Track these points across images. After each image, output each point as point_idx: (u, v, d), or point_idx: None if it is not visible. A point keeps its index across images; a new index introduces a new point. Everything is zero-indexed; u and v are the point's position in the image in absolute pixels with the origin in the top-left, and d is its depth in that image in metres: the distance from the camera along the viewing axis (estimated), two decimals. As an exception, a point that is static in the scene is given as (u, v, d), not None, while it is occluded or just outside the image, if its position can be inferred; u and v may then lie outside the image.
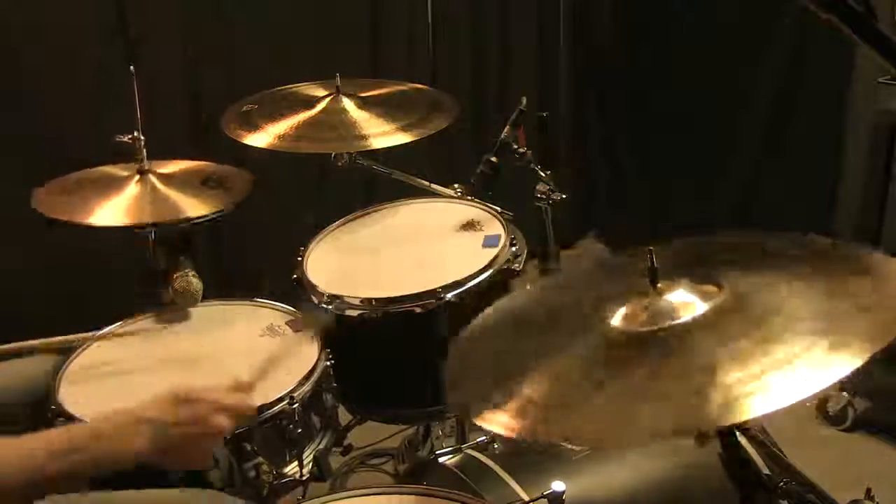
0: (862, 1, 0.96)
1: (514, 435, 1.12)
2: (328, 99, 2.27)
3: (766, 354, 1.06)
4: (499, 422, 1.13)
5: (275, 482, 1.72)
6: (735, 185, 3.46)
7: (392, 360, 2.00)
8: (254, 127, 2.18)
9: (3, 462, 1.18)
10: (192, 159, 2.22)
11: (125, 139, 2.05)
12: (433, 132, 2.18)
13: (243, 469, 1.69)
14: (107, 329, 1.94)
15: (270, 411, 1.71)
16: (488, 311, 1.42)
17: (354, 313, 1.96)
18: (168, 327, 1.97)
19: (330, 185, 3.08)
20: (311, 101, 2.27)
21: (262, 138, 2.13)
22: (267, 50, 3.00)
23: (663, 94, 3.44)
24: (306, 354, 1.86)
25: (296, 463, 1.76)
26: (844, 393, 2.66)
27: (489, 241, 2.09)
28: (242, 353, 1.89)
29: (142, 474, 1.59)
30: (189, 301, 1.99)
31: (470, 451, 1.63)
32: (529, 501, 1.43)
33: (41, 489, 1.24)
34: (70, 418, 1.69)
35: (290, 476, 1.75)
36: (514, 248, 2.05)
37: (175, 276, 1.98)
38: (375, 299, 1.95)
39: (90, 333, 1.80)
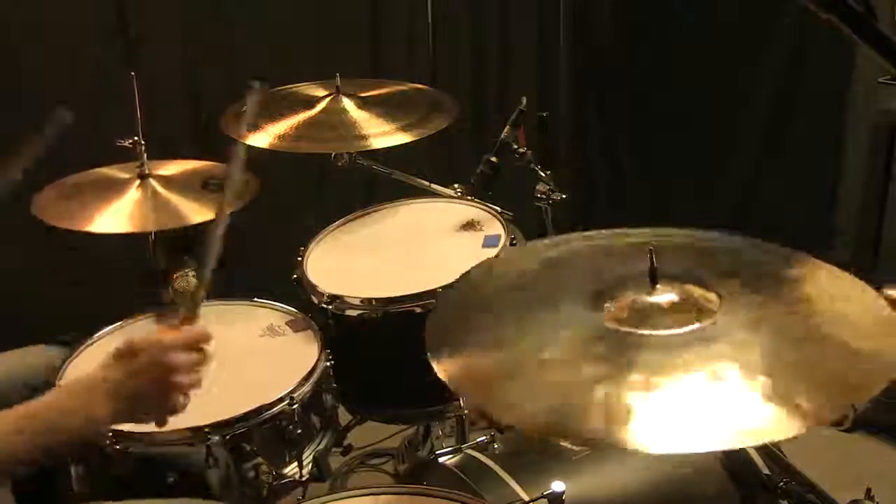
0: (862, 1, 0.96)
1: (455, 389, 1.15)
2: (328, 99, 2.27)
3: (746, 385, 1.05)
4: (451, 372, 1.15)
5: (274, 483, 1.72)
6: (735, 185, 3.46)
7: (392, 360, 2.00)
8: (254, 127, 2.18)
9: None
10: (192, 159, 2.22)
11: (125, 143, 2.04)
12: (433, 132, 2.18)
13: (242, 470, 1.69)
14: (106, 329, 1.94)
15: (270, 412, 1.71)
16: (484, 265, 1.41)
17: (354, 313, 1.96)
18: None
19: (330, 185, 3.08)
20: (311, 101, 2.27)
21: (262, 138, 2.13)
22: (267, 50, 2.99)
23: (663, 94, 3.44)
24: (306, 354, 1.86)
25: (295, 463, 1.76)
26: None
27: (489, 241, 2.09)
28: (242, 353, 1.89)
29: (141, 482, 1.61)
30: (189, 302, 1.98)
31: (470, 451, 1.63)
32: (529, 501, 1.42)
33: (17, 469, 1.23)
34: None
35: (290, 477, 1.75)
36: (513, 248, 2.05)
37: (175, 276, 1.98)
38: (375, 299, 1.95)
39: None
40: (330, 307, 1.96)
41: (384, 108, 2.25)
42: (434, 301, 1.90)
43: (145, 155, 2.06)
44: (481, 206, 2.25)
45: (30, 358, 1.88)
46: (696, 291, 1.21)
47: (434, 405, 2.00)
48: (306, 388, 1.77)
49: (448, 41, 3.33)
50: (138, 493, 1.58)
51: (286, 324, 1.96)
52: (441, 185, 2.34)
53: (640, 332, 1.15)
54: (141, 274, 2.09)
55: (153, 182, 2.07)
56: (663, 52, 3.39)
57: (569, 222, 3.50)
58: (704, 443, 1.00)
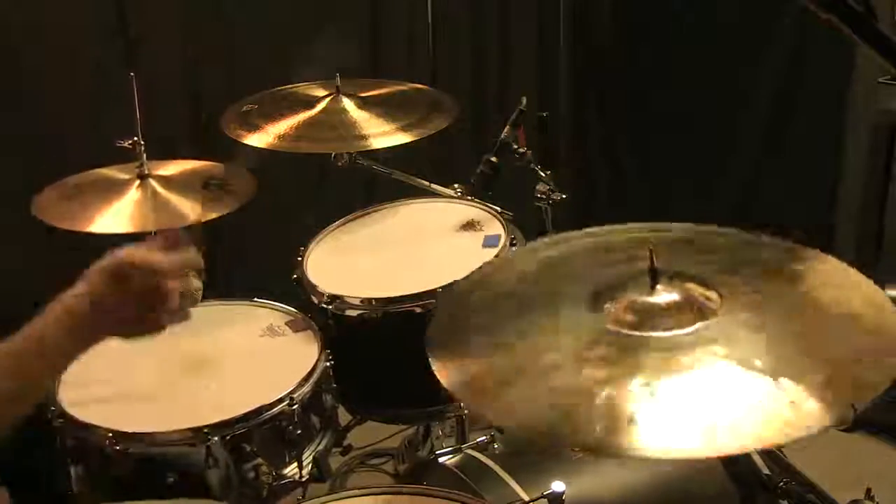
0: (862, 1, 0.96)
1: (457, 396, 1.14)
2: (328, 99, 2.27)
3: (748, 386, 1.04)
4: (452, 378, 1.14)
5: (274, 483, 1.72)
6: (735, 185, 3.46)
7: (392, 360, 2.00)
8: (254, 127, 2.18)
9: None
10: (192, 159, 2.22)
11: (125, 144, 2.04)
12: (433, 132, 2.18)
13: (242, 470, 1.69)
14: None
15: (270, 412, 1.71)
16: (486, 268, 1.41)
17: (354, 313, 1.96)
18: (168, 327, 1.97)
19: (330, 185, 3.08)
20: (311, 101, 2.27)
21: (262, 138, 2.13)
22: (267, 50, 2.99)
23: (663, 94, 3.43)
24: (306, 355, 1.86)
25: (295, 464, 1.76)
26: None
27: (489, 241, 2.09)
28: (242, 353, 1.89)
29: (141, 482, 1.60)
30: (189, 301, 1.98)
31: (470, 451, 1.63)
32: (529, 501, 1.42)
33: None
34: (71, 419, 1.69)
35: (290, 477, 1.75)
36: (513, 248, 2.05)
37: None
38: (375, 299, 1.95)
39: None
40: (330, 307, 1.96)
41: (384, 108, 2.25)
42: (434, 301, 1.90)
43: (145, 155, 2.06)
44: (481, 206, 2.24)
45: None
46: (697, 290, 1.21)
47: (434, 405, 2.00)
48: (306, 388, 1.77)
49: (448, 41, 3.33)
50: (138, 494, 1.58)
51: (286, 324, 1.96)
52: (441, 185, 2.34)
53: (641, 333, 1.14)
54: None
55: (153, 182, 2.07)
56: (663, 52, 3.39)
57: (569, 222, 3.53)
58: (709, 448, 0.99)
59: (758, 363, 1.07)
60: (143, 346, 1.89)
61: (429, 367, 1.19)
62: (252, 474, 1.70)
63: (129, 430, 1.65)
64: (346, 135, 2.16)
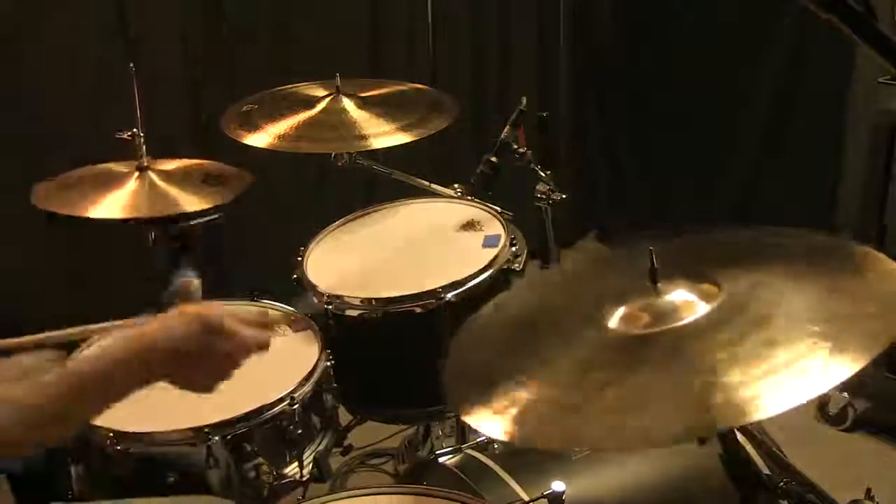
0: (862, 1, 0.96)
1: (513, 440, 1.12)
2: (328, 99, 2.27)
3: (768, 357, 1.06)
4: (498, 426, 1.12)
5: (275, 483, 1.72)
6: (735, 185, 3.46)
7: (392, 360, 2.00)
8: (254, 127, 2.18)
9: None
10: (192, 159, 2.22)
11: (125, 135, 2.04)
12: (433, 132, 2.18)
13: (243, 470, 1.69)
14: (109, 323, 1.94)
15: (270, 412, 1.71)
16: (487, 308, 1.42)
17: (354, 313, 1.96)
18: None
19: (330, 185, 3.08)
20: (311, 101, 2.27)
21: (262, 138, 2.13)
22: (267, 50, 2.99)
23: (663, 94, 3.44)
24: (306, 355, 1.86)
25: (296, 464, 1.76)
26: (844, 393, 2.66)
27: (489, 241, 2.09)
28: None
29: (141, 482, 1.60)
30: (188, 301, 1.98)
31: (470, 451, 1.63)
32: (529, 501, 1.42)
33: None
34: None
35: (290, 477, 1.75)
36: (514, 248, 2.05)
37: (175, 276, 1.98)
38: (375, 299, 1.95)
39: (97, 325, 1.75)
40: (330, 307, 1.96)
41: (384, 108, 2.25)
42: (434, 301, 1.90)
43: (144, 147, 2.06)
44: (481, 206, 2.24)
45: (28, 360, 1.87)
46: (698, 283, 1.23)
47: (434, 405, 2.00)
48: (307, 388, 1.77)
49: (448, 41, 3.33)
50: (139, 493, 1.58)
51: (286, 324, 1.96)
52: (441, 185, 2.34)
53: (656, 329, 1.17)
54: (141, 274, 2.09)
55: (152, 174, 2.07)
56: (663, 52, 3.39)
57: (569, 222, 3.54)
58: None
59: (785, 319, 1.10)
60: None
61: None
62: (253, 474, 1.70)
63: (130, 429, 1.65)
64: (346, 135, 2.16)
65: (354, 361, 1.97)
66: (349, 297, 1.96)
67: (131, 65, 2.01)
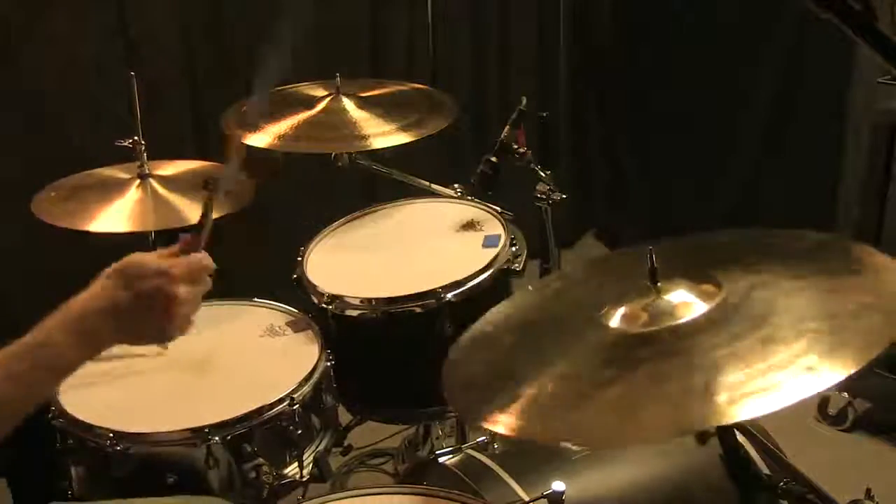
0: (861, 0, 0.96)
1: (516, 435, 1.13)
2: (328, 99, 2.27)
3: (767, 355, 1.06)
4: (502, 423, 1.13)
5: (275, 483, 1.72)
6: (735, 185, 3.46)
7: (392, 360, 2.00)
8: (254, 127, 2.18)
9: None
10: (193, 159, 2.22)
11: (125, 143, 2.04)
12: (433, 132, 2.18)
13: (243, 470, 1.69)
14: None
15: (270, 412, 1.71)
16: (489, 314, 1.43)
17: (354, 313, 1.96)
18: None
19: (330, 185, 3.08)
20: (311, 101, 2.27)
21: (262, 138, 2.13)
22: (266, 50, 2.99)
23: (663, 94, 3.44)
24: (306, 355, 1.86)
25: (296, 464, 1.76)
26: (844, 393, 2.66)
27: (489, 241, 2.09)
28: (242, 353, 1.89)
29: (141, 482, 1.60)
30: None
31: (470, 451, 1.63)
32: (529, 501, 1.42)
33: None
34: (71, 419, 1.69)
35: (291, 477, 1.75)
36: (514, 248, 2.05)
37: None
38: (375, 299, 1.95)
39: None
40: (330, 307, 1.96)
41: (384, 108, 2.25)
42: (434, 301, 1.90)
43: (145, 155, 2.06)
44: (481, 206, 2.24)
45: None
46: (697, 283, 1.23)
47: (434, 405, 2.00)
48: (306, 388, 1.77)
49: (448, 41, 3.33)
50: (138, 494, 1.58)
51: (286, 324, 1.96)
52: (441, 185, 2.34)
53: (656, 328, 1.18)
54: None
55: (153, 182, 2.07)
56: (663, 52, 3.39)
57: (569, 222, 3.54)
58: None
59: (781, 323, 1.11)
60: (144, 346, 1.91)
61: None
62: (253, 474, 1.70)
63: (130, 430, 1.65)
64: (346, 135, 2.16)
65: (354, 361, 1.97)
66: (349, 297, 1.96)
67: (132, 73, 2.00)
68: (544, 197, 2.16)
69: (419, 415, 2.13)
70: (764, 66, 3.25)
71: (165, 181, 2.09)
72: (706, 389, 1.04)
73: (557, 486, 1.36)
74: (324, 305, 1.96)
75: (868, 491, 1.45)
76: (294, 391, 1.74)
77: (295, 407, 1.73)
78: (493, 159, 2.15)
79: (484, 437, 1.67)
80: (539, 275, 2.21)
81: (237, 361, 1.86)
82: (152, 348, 1.86)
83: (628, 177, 3.75)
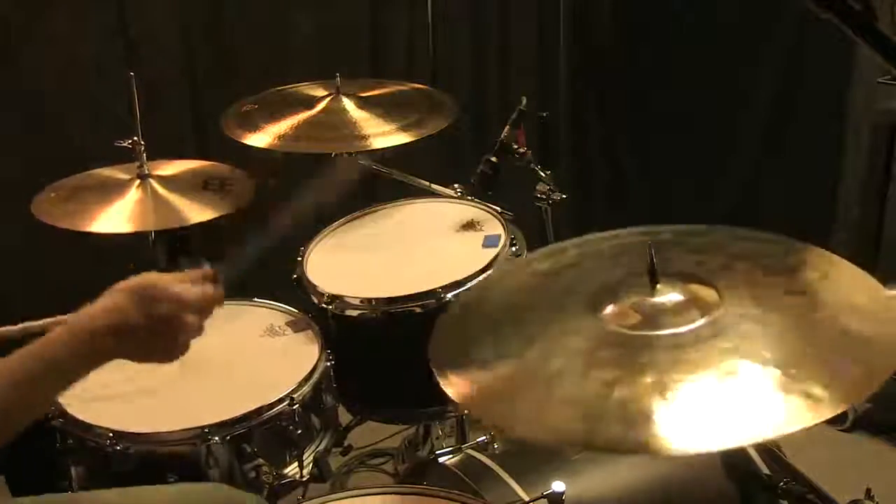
0: (861, 0, 0.96)
1: (460, 403, 1.14)
2: (328, 99, 2.27)
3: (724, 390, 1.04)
4: (457, 387, 1.14)
5: (275, 483, 1.72)
6: (735, 185, 3.46)
7: (392, 359, 2.00)
8: (254, 127, 2.18)
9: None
10: (193, 159, 2.22)
11: (125, 144, 2.05)
12: (433, 132, 2.18)
13: (243, 470, 1.69)
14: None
15: (270, 412, 1.71)
16: (489, 275, 1.41)
17: (354, 313, 1.96)
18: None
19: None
20: (311, 101, 2.27)
21: (262, 138, 2.13)
22: (267, 50, 2.99)
23: (663, 94, 3.43)
24: (306, 355, 1.86)
25: (296, 464, 1.76)
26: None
27: (489, 241, 2.09)
28: (242, 353, 1.89)
29: (141, 482, 1.60)
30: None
31: (470, 451, 1.63)
32: (529, 501, 1.42)
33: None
34: (71, 419, 1.69)
35: (291, 477, 1.75)
36: (514, 248, 2.05)
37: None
38: (375, 299, 1.95)
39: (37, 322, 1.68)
40: (330, 307, 1.96)
41: (384, 108, 2.25)
42: (434, 301, 1.90)
43: (145, 155, 2.06)
44: (481, 206, 2.24)
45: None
46: (697, 288, 1.21)
47: (434, 405, 2.00)
48: (306, 388, 1.77)
49: (448, 41, 3.33)
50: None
51: (286, 324, 1.96)
52: (441, 185, 2.34)
53: (645, 333, 1.15)
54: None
55: (153, 182, 2.07)
56: (663, 52, 3.39)
57: (569, 222, 3.53)
58: (722, 440, 0.99)
59: (767, 355, 1.08)
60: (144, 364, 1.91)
61: (429, 367, 1.20)
62: (252, 474, 1.70)
63: (130, 429, 1.65)
64: (346, 135, 2.17)
65: (354, 361, 1.97)
66: (349, 297, 1.96)
67: (131, 74, 2.00)
68: (544, 197, 2.16)
69: (419, 415, 2.13)
70: (764, 66, 3.24)
71: (165, 181, 2.09)
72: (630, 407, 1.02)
73: (557, 486, 1.36)
74: (324, 305, 1.96)
75: (868, 491, 1.45)
76: (294, 391, 1.74)
77: (295, 407, 1.73)
78: (493, 159, 2.15)
79: (484, 437, 1.67)
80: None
81: (237, 361, 1.86)
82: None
83: (628, 177, 3.75)
